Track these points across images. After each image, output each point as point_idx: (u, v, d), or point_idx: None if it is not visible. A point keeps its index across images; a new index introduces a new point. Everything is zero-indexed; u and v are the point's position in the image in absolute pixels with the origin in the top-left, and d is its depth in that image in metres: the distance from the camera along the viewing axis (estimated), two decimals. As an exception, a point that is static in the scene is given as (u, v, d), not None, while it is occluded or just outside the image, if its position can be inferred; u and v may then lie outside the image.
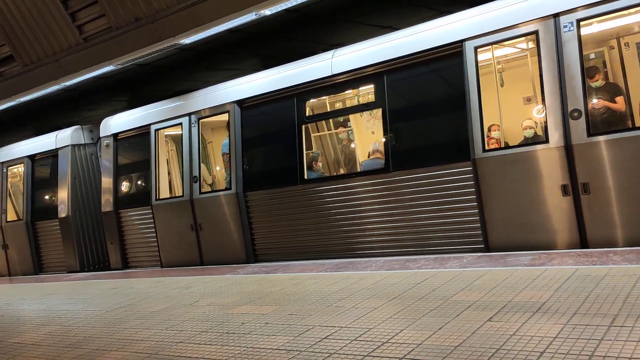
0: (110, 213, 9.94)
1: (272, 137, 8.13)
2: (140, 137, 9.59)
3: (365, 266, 6.30)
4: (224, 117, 8.47)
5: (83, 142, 10.92)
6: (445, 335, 3.48)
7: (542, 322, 3.45)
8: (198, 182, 8.59)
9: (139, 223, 9.64)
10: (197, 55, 8.93)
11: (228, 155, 8.40)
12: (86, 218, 10.84)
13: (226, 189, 8.38)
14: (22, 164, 11.75)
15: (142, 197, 9.55)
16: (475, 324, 3.61)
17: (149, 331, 4.80)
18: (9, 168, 12.14)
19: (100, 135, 10.23)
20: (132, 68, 9.16)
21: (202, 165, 8.81)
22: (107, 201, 10.01)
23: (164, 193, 9.38)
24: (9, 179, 12.20)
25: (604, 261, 4.80)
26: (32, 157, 11.58)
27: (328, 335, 3.85)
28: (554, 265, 4.92)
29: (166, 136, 9.61)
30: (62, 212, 10.69)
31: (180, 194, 8.95)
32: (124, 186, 10.04)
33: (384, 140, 6.96)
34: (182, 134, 8.90)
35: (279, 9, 6.97)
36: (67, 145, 10.72)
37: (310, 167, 7.92)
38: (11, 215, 12.14)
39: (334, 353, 3.47)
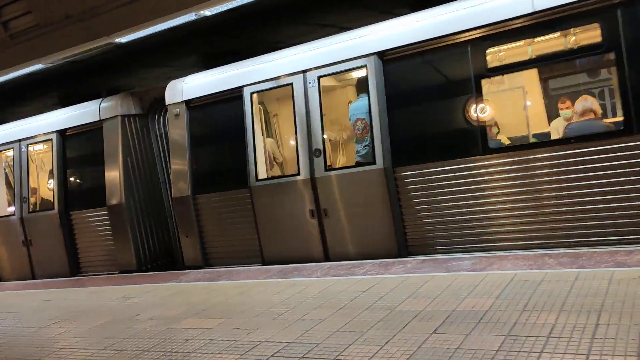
0: (185, 199, 8.05)
1: (431, 95, 6.48)
2: (227, 103, 7.81)
3: (310, 272, 6.29)
4: (357, 73, 7.03)
5: (134, 113, 8.95)
6: (392, 349, 3.51)
7: (484, 333, 3.54)
8: (322, 157, 7.02)
9: (228, 210, 7.82)
10: (136, 52, 8.58)
11: (363, 121, 6.87)
12: (142, 205, 8.91)
13: (366, 163, 6.80)
14: (50, 141, 9.59)
15: (232, 178, 7.74)
16: (422, 336, 3.66)
17: (86, 352, 4.59)
18: (30, 146, 9.95)
19: (167, 103, 8.32)
20: (65, 65, 8.70)
21: (325, 136, 7.14)
22: (180, 184, 8.14)
23: (268, 172, 7.74)
24: (30, 159, 10.02)
25: (539, 265, 4.99)
26: (62, 132, 9.48)
27: (275, 353, 3.81)
28: (494, 270, 5.06)
29: (262, 102, 7.89)
30: (113, 199, 8.73)
31: (295, 172, 7.28)
32: (204, 165, 8.15)
33: (621, 93, 5.43)
34: (293, 96, 7.19)
35: (220, 10, 6.79)
36: (116, 116, 8.77)
37: None
38: (36, 204, 10.03)
39: (281, 373, 3.43)
